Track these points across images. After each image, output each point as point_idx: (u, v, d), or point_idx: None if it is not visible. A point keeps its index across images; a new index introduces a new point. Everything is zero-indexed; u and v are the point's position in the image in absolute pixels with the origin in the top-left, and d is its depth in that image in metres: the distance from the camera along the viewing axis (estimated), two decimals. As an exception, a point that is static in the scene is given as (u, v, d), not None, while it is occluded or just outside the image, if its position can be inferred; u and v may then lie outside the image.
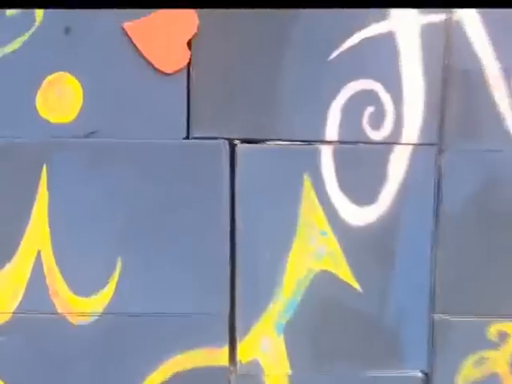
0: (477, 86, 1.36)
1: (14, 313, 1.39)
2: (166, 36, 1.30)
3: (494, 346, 1.43)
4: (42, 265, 1.37)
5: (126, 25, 1.29)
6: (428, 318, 1.43)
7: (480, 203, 1.40)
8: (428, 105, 1.38)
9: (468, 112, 1.39)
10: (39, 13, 1.28)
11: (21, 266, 1.36)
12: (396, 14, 1.31)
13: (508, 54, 1.36)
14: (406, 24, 1.33)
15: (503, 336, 1.43)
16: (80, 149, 1.36)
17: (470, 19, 1.33)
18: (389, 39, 1.34)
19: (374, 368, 1.44)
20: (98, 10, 1.29)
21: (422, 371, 1.44)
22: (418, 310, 1.42)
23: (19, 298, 1.38)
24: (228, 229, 1.39)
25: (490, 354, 1.43)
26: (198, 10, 1.33)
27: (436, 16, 1.33)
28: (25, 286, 1.37)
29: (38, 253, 1.37)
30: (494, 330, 1.42)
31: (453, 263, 1.43)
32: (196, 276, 1.39)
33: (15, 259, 1.37)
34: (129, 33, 1.30)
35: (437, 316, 1.42)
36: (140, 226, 1.37)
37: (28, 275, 1.37)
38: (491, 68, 1.34)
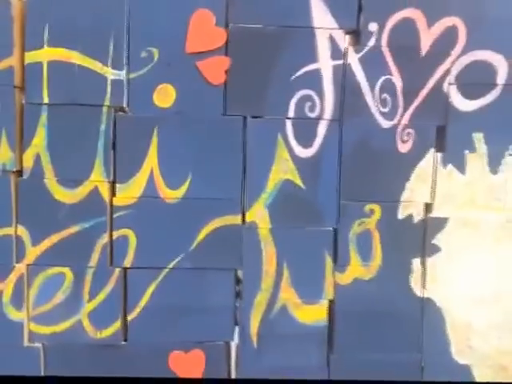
0: (358, 94, 2.02)
1: (138, 197, 2.03)
2: (214, 68, 1.99)
3: (367, 216, 2.09)
4: (153, 175, 2.01)
5: (198, 63, 1.99)
6: (337, 202, 2.09)
7: (359, 148, 2.06)
8: (335, 101, 2.02)
9: (354, 105, 2.03)
10: (156, 54, 1.98)
11: (142, 175, 2.02)
12: (321, 59, 1.99)
13: (372, 79, 2.02)
14: (325, 64, 2.00)
15: (372, 211, 2.09)
16: (172, 120, 2.00)
17: (354, 63, 2.00)
18: (317, 72, 2.01)
19: (308, 226, 2.09)
20: (182, 55, 1.99)
21: (333, 228, 2.10)
22: (331, 198, 2.08)
23: (141, 190, 2.03)
24: (241, 158, 2.03)
25: (366, 220, 2.10)
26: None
27: (338, 61, 2.01)
28: (144, 184, 2.03)
29: (151, 169, 2.02)
30: (367, 208, 2.08)
31: (341, 176, 2.08)
32: (225, 181, 2.04)
33: (140, 172, 2.03)
34: (198, 67, 1.98)
35: (342, 201, 2.09)
36: (198, 158, 2.02)
37: (146, 179, 2.03)
38: (363, 85, 2.01)
